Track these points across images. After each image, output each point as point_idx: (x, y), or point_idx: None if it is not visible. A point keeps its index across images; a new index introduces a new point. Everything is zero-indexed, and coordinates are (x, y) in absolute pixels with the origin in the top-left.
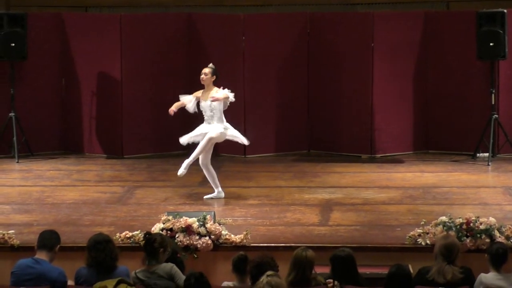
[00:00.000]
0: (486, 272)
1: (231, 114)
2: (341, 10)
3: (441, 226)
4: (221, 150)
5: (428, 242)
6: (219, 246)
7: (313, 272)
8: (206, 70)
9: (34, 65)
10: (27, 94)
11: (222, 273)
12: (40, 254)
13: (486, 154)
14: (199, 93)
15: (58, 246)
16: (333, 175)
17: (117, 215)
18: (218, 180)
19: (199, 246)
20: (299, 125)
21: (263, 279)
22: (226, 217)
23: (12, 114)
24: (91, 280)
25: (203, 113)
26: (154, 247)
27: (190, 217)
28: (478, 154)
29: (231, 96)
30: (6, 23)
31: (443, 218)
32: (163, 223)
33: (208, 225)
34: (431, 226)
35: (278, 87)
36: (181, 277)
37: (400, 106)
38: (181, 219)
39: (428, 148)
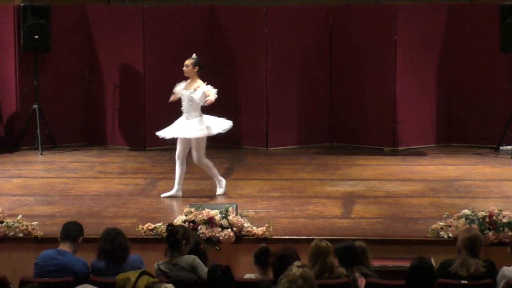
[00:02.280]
0: (509, 265)
1: (254, 106)
2: (364, 2)
3: (463, 219)
4: (243, 142)
5: (450, 235)
6: (241, 238)
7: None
8: (187, 61)
9: (58, 57)
10: (50, 86)
11: (244, 265)
12: (63, 246)
13: (510, 147)
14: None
15: (81, 238)
16: (356, 167)
17: (140, 207)
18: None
19: (221, 238)
20: (322, 117)
21: (295, 270)
22: (248, 209)
23: (35, 106)
24: (104, 271)
25: (182, 102)
26: (176, 239)
27: (212, 209)
28: (501, 147)
29: (214, 93)
30: (30, 15)
31: (466, 211)
32: (186, 215)
33: (230, 217)
34: (454, 219)
35: (300, 79)
36: (204, 269)
37: (423, 98)
38: (204, 211)
39: (451, 141)
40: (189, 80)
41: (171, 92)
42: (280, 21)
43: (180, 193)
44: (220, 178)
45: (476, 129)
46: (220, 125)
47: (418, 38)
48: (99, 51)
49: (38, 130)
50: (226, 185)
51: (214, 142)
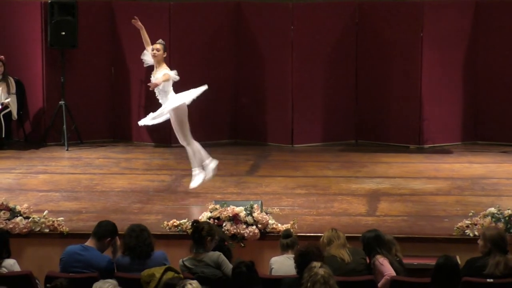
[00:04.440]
0: None
1: (279, 103)
2: None
3: (489, 217)
4: (268, 139)
5: (476, 233)
6: (266, 235)
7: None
8: (158, 46)
9: (84, 54)
10: (77, 82)
11: (268, 262)
12: (90, 242)
13: None
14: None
15: (109, 239)
16: (381, 165)
17: (165, 203)
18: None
19: (246, 235)
20: (347, 114)
21: (318, 271)
22: (273, 206)
23: (62, 102)
24: (128, 267)
25: (154, 90)
26: (201, 235)
27: (237, 206)
28: None
29: (173, 74)
30: (57, 12)
31: (492, 210)
32: (211, 212)
33: (255, 214)
34: (480, 218)
35: (326, 76)
36: (228, 266)
37: (449, 96)
38: (229, 208)
39: (477, 138)
40: (154, 66)
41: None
42: (306, 18)
43: (206, 174)
44: (200, 169)
45: (503, 127)
46: (195, 90)
47: (444, 35)
48: (126, 48)
49: (65, 126)
50: (201, 183)
51: (239, 139)
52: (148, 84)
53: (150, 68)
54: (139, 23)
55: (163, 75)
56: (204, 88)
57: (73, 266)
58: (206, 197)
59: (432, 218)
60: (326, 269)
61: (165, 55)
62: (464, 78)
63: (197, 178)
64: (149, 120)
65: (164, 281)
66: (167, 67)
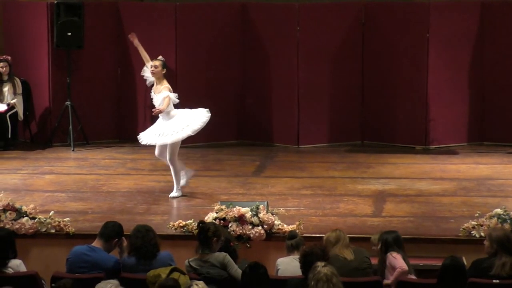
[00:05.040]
0: None
1: (285, 104)
2: (396, 0)
3: (495, 218)
4: (274, 140)
5: (482, 234)
6: (272, 236)
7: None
8: (156, 62)
9: (90, 54)
10: (83, 83)
11: (274, 262)
12: (97, 243)
13: None
14: (149, 76)
15: (116, 240)
16: (387, 166)
17: (171, 204)
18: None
19: (252, 235)
20: (353, 115)
21: (321, 270)
22: (279, 207)
23: (68, 102)
24: (134, 267)
25: (153, 104)
26: (207, 236)
27: (243, 207)
28: None
29: (173, 97)
30: (63, 12)
31: (498, 210)
32: (217, 213)
33: (261, 215)
34: (486, 218)
35: (332, 77)
36: (234, 267)
37: (455, 97)
38: (234, 209)
39: (483, 139)
40: (155, 82)
41: (203, 89)
42: (312, 18)
43: (191, 173)
44: (179, 188)
45: (509, 128)
46: (198, 119)
47: (450, 36)
48: (132, 48)
49: (71, 126)
50: (179, 196)
51: (245, 140)
52: (152, 110)
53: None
54: (136, 40)
55: (164, 101)
56: (208, 116)
57: (79, 267)
58: (212, 197)
59: (438, 219)
60: (330, 268)
61: (164, 71)
62: (470, 78)
63: (177, 191)
64: (148, 139)
65: (159, 283)
66: (167, 84)
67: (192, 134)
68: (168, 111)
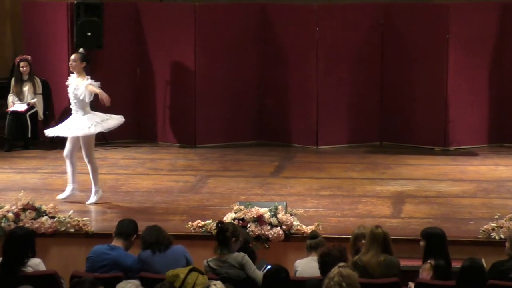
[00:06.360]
0: None
1: (304, 104)
2: (416, 1)
3: None
4: (293, 141)
5: (502, 236)
6: (290, 236)
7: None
8: (74, 56)
9: (110, 54)
10: (102, 83)
11: (293, 263)
12: (116, 242)
13: None
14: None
15: (135, 236)
16: (406, 167)
17: (190, 204)
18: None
19: (270, 236)
20: (372, 116)
21: (335, 269)
22: (298, 207)
23: None
24: (149, 260)
25: (70, 99)
26: (226, 236)
27: (262, 207)
28: None
29: (96, 86)
30: (83, 13)
31: None
32: (235, 213)
33: (279, 216)
34: (505, 220)
35: (351, 78)
36: (252, 267)
37: (475, 98)
38: (253, 209)
39: (503, 141)
40: (75, 76)
41: (222, 89)
42: (332, 19)
43: (76, 192)
44: (98, 188)
45: None
46: (113, 119)
47: (470, 37)
48: (151, 49)
49: None
50: (100, 198)
51: (264, 140)
52: (102, 101)
53: (175, 69)
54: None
55: (89, 85)
56: (121, 120)
57: (99, 266)
58: (231, 198)
59: (457, 220)
60: (346, 270)
61: (83, 65)
62: (490, 80)
63: (96, 195)
64: (57, 131)
65: (190, 282)
66: (88, 77)
67: (105, 132)
68: (85, 105)
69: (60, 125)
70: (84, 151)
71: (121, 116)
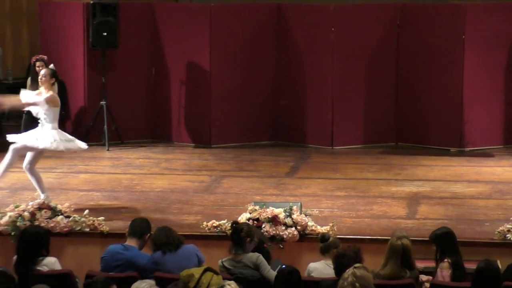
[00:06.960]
0: None
1: (319, 105)
2: (432, 1)
3: None
4: (308, 141)
5: None
6: (305, 237)
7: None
8: (45, 71)
9: (125, 54)
10: (118, 82)
11: (307, 264)
12: (130, 241)
13: None
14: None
15: (148, 234)
16: (421, 168)
17: (204, 204)
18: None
19: (285, 236)
20: (387, 117)
21: (349, 270)
22: (313, 208)
23: (103, 102)
24: (161, 261)
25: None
26: (241, 236)
27: (276, 208)
28: None
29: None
30: (99, 13)
31: None
32: (250, 213)
33: (294, 216)
34: None
35: (366, 78)
36: (267, 267)
37: (491, 99)
38: (268, 210)
39: None
40: (41, 90)
41: (237, 90)
42: (347, 20)
43: (50, 199)
44: (46, 194)
45: None
46: (77, 142)
47: (487, 38)
48: (166, 49)
49: (105, 126)
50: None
51: (279, 141)
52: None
53: (190, 69)
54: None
55: (51, 97)
56: (84, 148)
57: (114, 266)
58: (246, 198)
59: (473, 222)
60: (360, 271)
61: (52, 81)
62: (506, 81)
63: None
64: (20, 139)
65: (204, 282)
66: (55, 94)
67: (64, 151)
68: (52, 119)
69: (24, 134)
70: (32, 162)
71: (85, 144)
